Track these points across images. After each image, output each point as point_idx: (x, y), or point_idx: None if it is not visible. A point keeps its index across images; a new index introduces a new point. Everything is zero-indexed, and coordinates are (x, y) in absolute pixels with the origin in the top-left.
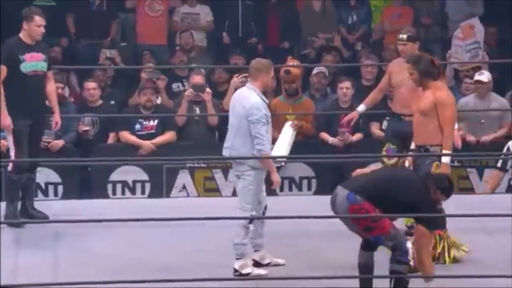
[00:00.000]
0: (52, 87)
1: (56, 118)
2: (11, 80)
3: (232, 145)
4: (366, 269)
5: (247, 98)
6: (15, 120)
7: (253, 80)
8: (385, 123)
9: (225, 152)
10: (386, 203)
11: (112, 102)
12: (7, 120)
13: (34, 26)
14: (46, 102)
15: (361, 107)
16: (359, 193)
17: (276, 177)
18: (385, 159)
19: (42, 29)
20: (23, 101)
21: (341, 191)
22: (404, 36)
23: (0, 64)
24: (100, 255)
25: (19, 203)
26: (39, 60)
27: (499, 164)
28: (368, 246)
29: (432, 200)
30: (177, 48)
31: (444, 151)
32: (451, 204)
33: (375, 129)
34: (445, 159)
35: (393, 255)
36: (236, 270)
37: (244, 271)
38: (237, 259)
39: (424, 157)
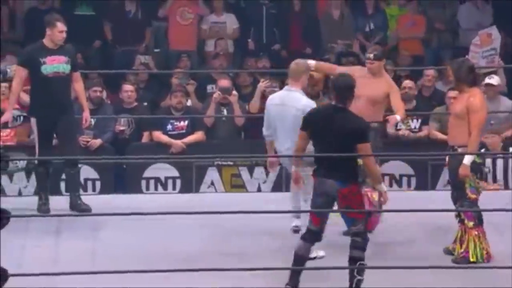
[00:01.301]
0: (79, 87)
1: (86, 115)
2: (34, 82)
3: (292, 146)
4: (301, 261)
5: (297, 99)
6: (38, 119)
7: (294, 82)
8: None
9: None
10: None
11: (145, 104)
12: (7, 117)
13: (57, 32)
14: (75, 101)
15: None
16: (345, 179)
17: None
18: None
19: (64, 35)
20: (46, 101)
21: (329, 181)
22: (371, 55)
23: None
24: (133, 246)
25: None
26: (61, 62)
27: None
28: (310, 238)
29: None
30: (221, 53)
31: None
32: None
33: None
34: (467, 161)
35: (354, 241)
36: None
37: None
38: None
39: (456, 158)
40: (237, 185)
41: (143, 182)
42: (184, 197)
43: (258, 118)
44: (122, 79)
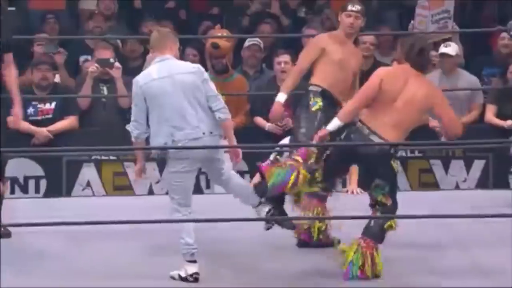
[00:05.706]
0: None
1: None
2: None
3: (200, 123)
4: None
5: (183, 65)
6: None
7: (163, 50)
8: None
9: (198, 134)
10: None
11: None
12: None
13: None
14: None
15: (282, 97)
16: None
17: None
18: None
19: None
20: None
21: None
22: (359, 8)
23: None
24: None
25: None
26: None
27: None
28: None
29: None
30: (96, 11)
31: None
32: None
33: None
34: (330, 126)
35: None
36: (192, 275)
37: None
38: (190, 261)
39: None
40: (121, 186)
41: None
42: (51, 202)
43: None
44: None
